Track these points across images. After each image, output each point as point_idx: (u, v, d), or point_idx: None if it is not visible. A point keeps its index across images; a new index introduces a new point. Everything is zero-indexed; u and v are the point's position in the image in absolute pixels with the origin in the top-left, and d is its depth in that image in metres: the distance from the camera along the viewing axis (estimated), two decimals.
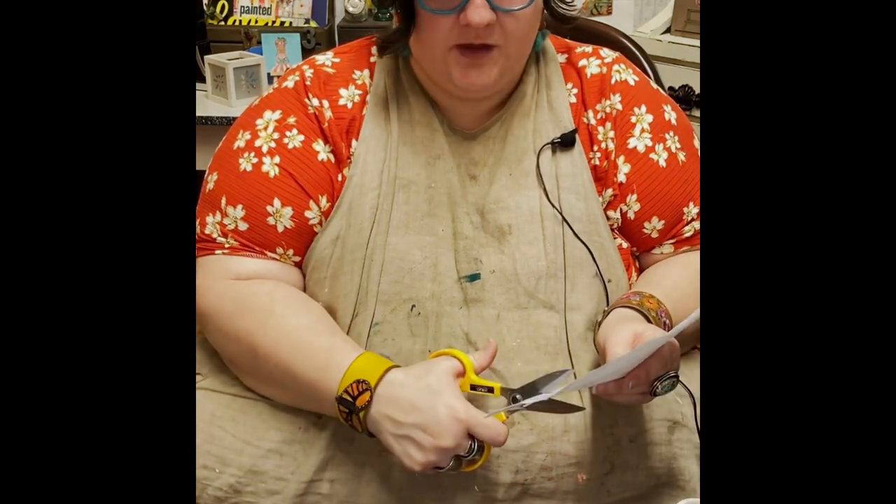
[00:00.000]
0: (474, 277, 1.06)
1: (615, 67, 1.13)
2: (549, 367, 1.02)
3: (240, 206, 1.08)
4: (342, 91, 1.11)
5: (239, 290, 1.06)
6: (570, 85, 1.13)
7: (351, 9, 2.72)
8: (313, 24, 2.72)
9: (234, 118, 1.17)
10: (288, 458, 1.03)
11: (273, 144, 1.08)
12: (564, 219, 1.07)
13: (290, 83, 1.12)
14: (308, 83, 1.10)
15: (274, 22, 2.75)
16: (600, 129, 1.11)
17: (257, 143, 1.09)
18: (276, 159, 1.08)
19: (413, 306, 1.05)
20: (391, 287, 1.06)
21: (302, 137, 1.08)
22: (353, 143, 1.09)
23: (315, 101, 1.09)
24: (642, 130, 1.11)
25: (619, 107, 1.11)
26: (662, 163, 1.11)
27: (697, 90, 2.30)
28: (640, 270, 1.15)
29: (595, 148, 1.11)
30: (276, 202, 1.07)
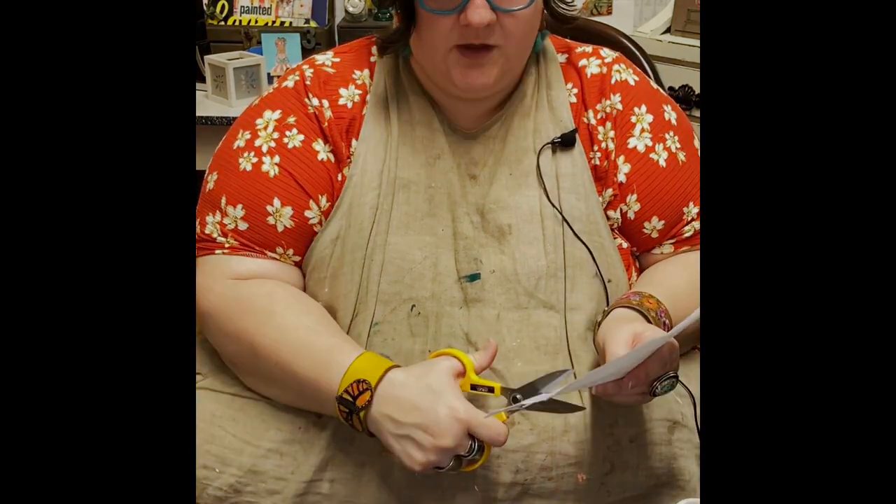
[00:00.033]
0: (474, 277, 1.06)
1: (615, 67, 1.13)
2: (549, 367, 1.02)
3: (240, 206, 1.08)
4: (342, 91, 1.11)
5: (239, 289, 1.06)
6: (570, 85, 1.13)
7: (351, 9, 2.72)
8: (313, 24, 2.72)
9: (234, 118, 1.17)
10: (288, 458, 1.03)
11: (273, 144, 1.08)
12: (564, 219, 1.07)
13: (289, 83, 1.12)
14: (308, 83, 1.10)
15: (274, 22, 2.75)
16: (600, 128, 1.11)
17: (257, 142, 1.09)
18: (276, 159, 1.08)
19: (413, 306, 1.05)
20: (391, 287, 1.06)
21: (302, 137, 1.08)
22: (353, 142, 1.09)
23: (315, 101, 1.09)
24: (642, 130, 1.11)
25: (620, 106, 1.11)
26: (662, 163, 1.11)
27: (697, 90, 2.30)
28: (640, 270, 1.15)
29: (595, 148, 1.11)
30: (276, 202, 1.07)
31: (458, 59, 1.01)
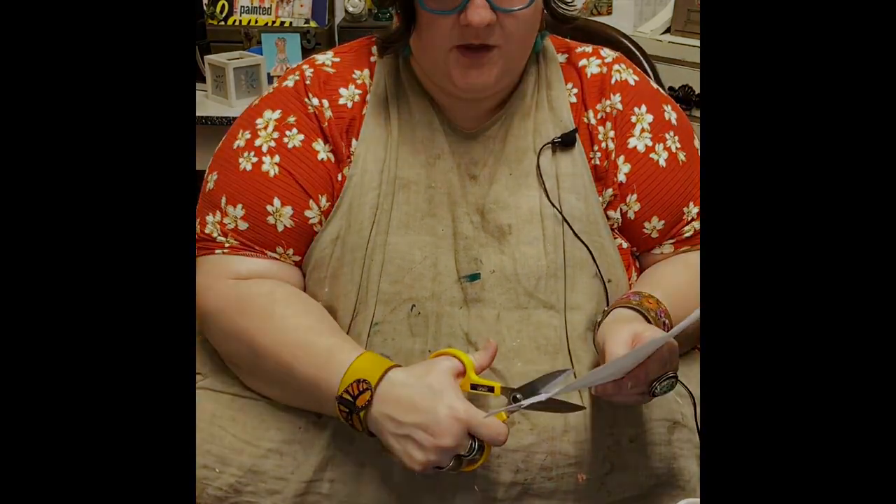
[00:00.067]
0: (474, 277, 1.06)
1: (615, 67, 1.13)
2: (549, 367, 1.02)
3: (240, 206, 1.07)
4: (342, 90, 1.11)
5: (239, 289, 1.06)
6: (570, 85, 1.13)
7: (351, 9, 2.72)
8: (313, 24, 2.72)
9: (234, 118, 1.17)
10: (288, 457, 1.03)
11: (273, 144, 1.08)
12: (565, 219, 1.07)
13: (289, 82, 1.12)
14: (308, 83, 1.10)
15: (274, 22, 2.75)
16: (600, 128, 1.11)
17: (257, 142, 1.09)
18: (276, 158, 1.08)
19: (413, 306, 1.05)
20: (391, 287, 1.06)
21: (302, 137, 1.08)
22: (353, 142, 1.09)
23: (315, 101, 1.09)
24: (642, 130, 1.11)
25: (620, 106, 1.11)
26: (662, 162, 1.10)
27: (697, 90, 2.30)
28: (641, 270, 1.15)
29: (595, 148, 1.11)
30: (276, 201, 1.07)
31: (458, 60, 1.01)
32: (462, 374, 0.96)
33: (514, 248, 1.07)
